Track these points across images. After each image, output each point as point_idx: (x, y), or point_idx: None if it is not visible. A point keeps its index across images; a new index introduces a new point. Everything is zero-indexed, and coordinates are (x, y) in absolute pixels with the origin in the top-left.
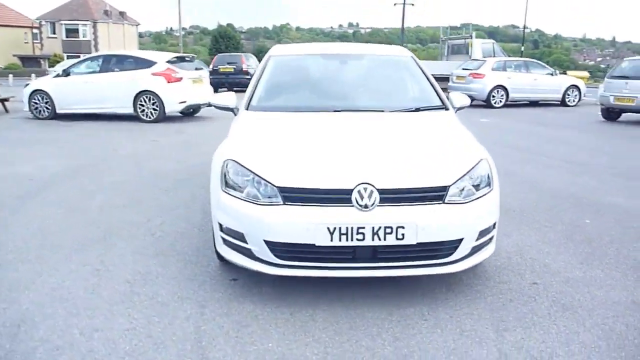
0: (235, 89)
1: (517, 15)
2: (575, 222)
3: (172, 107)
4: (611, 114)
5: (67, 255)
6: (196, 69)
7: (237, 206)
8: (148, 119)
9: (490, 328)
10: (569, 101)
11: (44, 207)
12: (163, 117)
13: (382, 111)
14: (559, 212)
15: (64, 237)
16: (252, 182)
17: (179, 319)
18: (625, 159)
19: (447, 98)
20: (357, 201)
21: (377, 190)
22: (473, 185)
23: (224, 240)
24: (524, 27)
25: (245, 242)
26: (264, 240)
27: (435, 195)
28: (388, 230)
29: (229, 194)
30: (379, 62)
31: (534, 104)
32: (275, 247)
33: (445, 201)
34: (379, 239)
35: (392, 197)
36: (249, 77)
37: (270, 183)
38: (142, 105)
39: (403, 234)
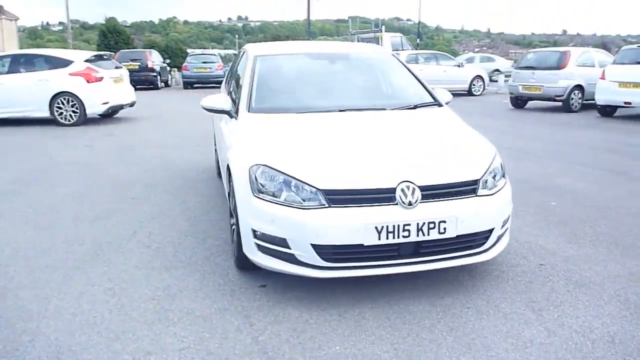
0: (138, 86)
1: (400, 8)
2: (543, 205)
3: (94, 109)
4: (519, 101)
5: (66, 275)
6: (116, 67)
7: (277, 211)
8: (67, 123)
9: (526, 309)
10: (474, 91)
11: (6, 228)
12: (84, 120)
13: (384, 109)
14: (524, 196)
15: (50, 257)
16: (288, 186)
17: (230, 331)
18: (554, 144)
19: None
20: (401, 199)
21: (419, 187)
22: (492, 177)
23: (259, 246)
24: (419, 21)
25: (288, 247)
26: (311, 244)
27: (469, 189)
28: (431, 225)
29: (263, 199)
30: (364, 60)
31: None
32: (323, 250)
33: (477, 194)
34: (423, 235)
35: (432, 193)
36: (155, 74)
37: (313, 186)
38: (60, 108)
39: (445, 228)
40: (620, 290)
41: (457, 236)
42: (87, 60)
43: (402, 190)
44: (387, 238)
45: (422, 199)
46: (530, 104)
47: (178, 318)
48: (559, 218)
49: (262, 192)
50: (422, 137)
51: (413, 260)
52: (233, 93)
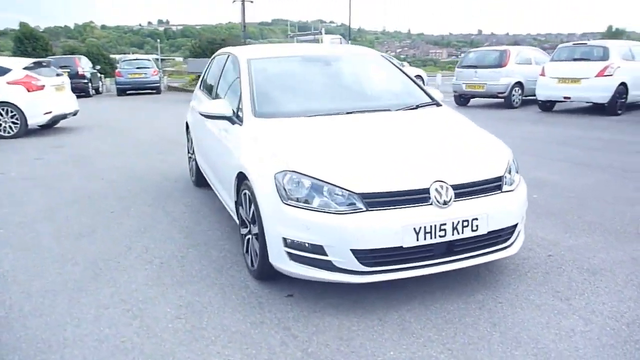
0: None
1: (322, 11)
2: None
3: (36, 119)
4: (462, 99)
5: (71, 299)
6: (57, 75)
7: (312, 218)
8: (7, 135)
9: (554, 299)
10: None
11: None
12: (25, 132)
13: (389, 110)
14: None
15: (45, 280)
16: (320, 191)
17: (275, 345)
18: (515, 138)
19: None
20: (436, 199)
21: (451, 186)
22: (509, 174)
23: (291, 255)
24: (349, 23)
25: (325, 254)
26: (351, 250)
27: (494, 185)
28: (465, 223)
29: (295, 206)
30: (357, 62)
31: None
32: (362, 255)
33: (502, 190)
34: (458, 233)
35: (463, 191)
36: (85, 81)
37: (349, 190)
38: None
39: (477, 226)
40: (631, 274)
41: (488, 232)
42: (26, 68)
43: (437, 189)
44: (425, 239)
45: (454, 198)
46: (472, 101)
47: (215, 336)
48: (545, 210)
49: (293, 199)
50: (441, 136)
51: (447, 259)
52: (226, 98)
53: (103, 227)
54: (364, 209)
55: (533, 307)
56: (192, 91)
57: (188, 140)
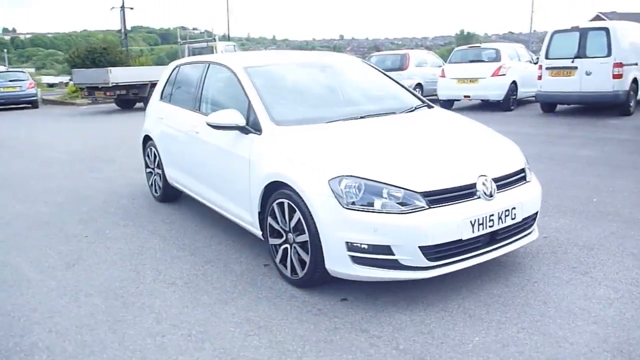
0: None
1: (185, 17)
2: None
3: None
4: None
5: (116, 332)
6: None
7: (378, 220)
8: None
9: (576, 273)
10: None
11: None
12: None
13: (394, 113)
14: None
15: (68, 316)
16: (378, 193)
17: (366, 348)
18: None
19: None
20: (484, 192)
21: (492, 179)
22: (527, 165)
23: (354, 258)
24: (228, 30)
25: (392, 253)
26: (419, 247)
27: (521, 176)
28: (507, 212)
29: (359, 210)
30: (347, 68)
31: None
32: (428, 251)
33: (527, 180)
34: (502, 222)
35: (501, 183)
36: None
37: (410, 190)
38: None
39: (515, 214)
40: (620, 246)
41: (522, 220)
42: None
43: (483, 183)
44: (479, 230)
45: (496, 190)
46: None
47: (300, 347)
48: None
49: (354, 203)
50: (461, 135)
51: (491, 247)
52: (210, 109)
53: (88, 254)
54: (426, 207)
55: (564, 283)
56: (74, 104)
57: (147, 156)
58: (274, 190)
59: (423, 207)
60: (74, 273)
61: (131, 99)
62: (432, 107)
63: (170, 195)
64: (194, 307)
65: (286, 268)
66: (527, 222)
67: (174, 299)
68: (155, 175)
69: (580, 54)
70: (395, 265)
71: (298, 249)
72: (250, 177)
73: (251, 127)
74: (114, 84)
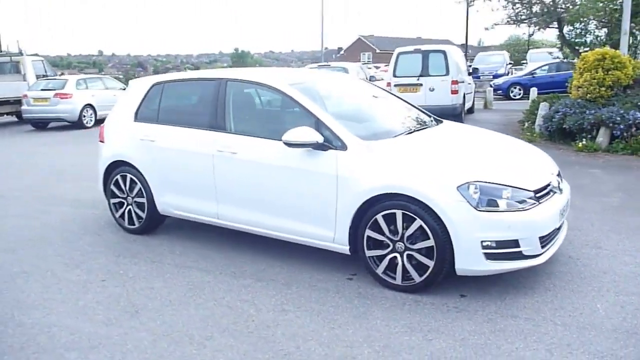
0: None
1: None
2: None
3: None
4: None
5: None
6: None
7: (509, 218)
8: None
9: (597, 257)
10: None
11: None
12: None
13: (429, 126)
14: None
15: (145, 348)
16: (498, 194)
17: (480, 343)
18: None
19: None
20: (558, 187)
21: (557, 175)
22: None
23: (488, 255)
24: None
25: (518, 246)
26: (539, 237)
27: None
28: (569, 202)
29: (489, 211)
30: (358, 85)
31: None
32: (542, 240)
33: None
34: (565, 212)
35: (559, 180)
36: None
37: (525, 189)
38: None
39: (569, 206)
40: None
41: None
42: None
43: (557, 180)
44: (560, 219)
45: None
46: None
47: (453, 348)
48: None
49: (485, 205)
50: (503, 142)
51: (557, 236)
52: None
53: (152, 302)
54: (537, 203)
55: (597, 271)
56: None
57: (114, 184)
58: (375, 204)
59: (534, 203)
60: (141, 322)
61: None
62: (443, 121)
63: (152, 226)
64: (332, 329)
65: (394, 277)
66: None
67: (297, 325)
68: (130, 205)
69: (424, 73)
70: (519, 256)
71: (416, 255)
72: (338, 193)
73: (330, 143)
74: None
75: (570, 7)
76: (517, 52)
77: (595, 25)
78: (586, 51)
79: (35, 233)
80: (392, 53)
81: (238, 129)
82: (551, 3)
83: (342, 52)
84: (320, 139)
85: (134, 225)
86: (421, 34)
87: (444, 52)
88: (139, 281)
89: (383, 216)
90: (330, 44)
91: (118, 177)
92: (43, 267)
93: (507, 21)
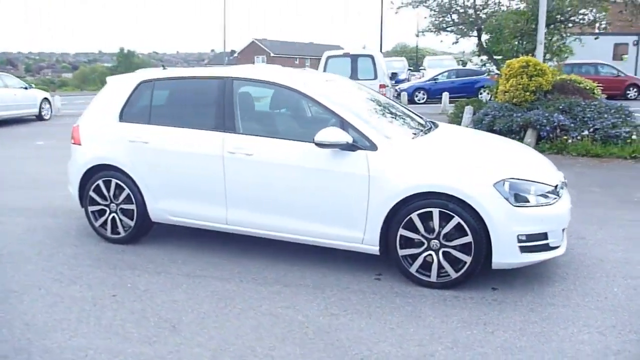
0: None
1: None
2: None
3: None
4: None
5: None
6: None
7: (541, 212)
8: None
9: (609, 264)
10: (44, 115)
11: None
12: None
13: (436, 127)
14: None
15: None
16: (527, 190)
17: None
18: None
19: None
20: (564, 186)
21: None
22: None
23: (522, 248)
24: None
25: (546, 238)
26: (562, 229)
27: None
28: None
29: (524, 206)
30: (354, 86)
31: (10, 122)
32: (563, 232)
33: None
34: None
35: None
36: None
37: (550, 185)
38: None
39: None
40: None
41: None
42: None
43: (562, 182)
44: (569, 215)
45: None
46: None
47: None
48: None
49: (520, 201)
50: (505, 143)
51: None
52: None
53: (188, 315)
54: (558, 197)
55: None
56: None
57: (93, 191)
58: (409, 203)
59: (556, 197)
60: (185, 337)
61: None
62: (439, 124)
63: (139, 235)
64: (392, 329)
65: (428, 274)
66: None
67: (357, 328)
68: (114, 212)
69: (353, 76)
70: (546, 247)
71: (452, 252)
72: (370, 194)
73: (359, 143)
74: None
75: (492, 18)
76: (406, 58)
77: (508, 33)
78: (502, 59)
79: (5, 247)
80: (287, 57)
81: (250, 130)
82: (472, 13)
83: (235, 54)
84: (349, 139)
85: (118, 234)
86: (312, 39)
87: (372, 57)
88: (157, 294)
89: (418, 215)
90: (218, 46)
91: (99, 182)
92: (33, 285)
93: (430, 29)
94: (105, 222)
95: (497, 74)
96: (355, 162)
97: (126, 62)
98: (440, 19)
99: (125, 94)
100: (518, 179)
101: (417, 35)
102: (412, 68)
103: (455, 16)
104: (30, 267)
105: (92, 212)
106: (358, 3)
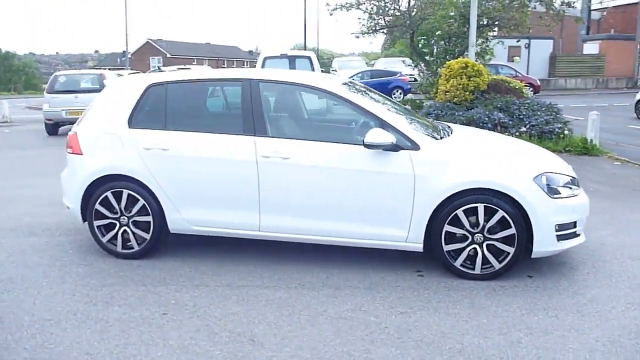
0: None
1: None
2: None
3: None
4: (55, 128)
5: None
6: None
7: (573, 202)
8: None
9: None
10: None
11: None
12: None
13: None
14: None
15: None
16: (557, 182)
17: (579, 323)
18: None
19: None
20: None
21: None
22: None
23: (559, 236)
24: None
25: (575, 226)
26: (585, 217)
27: None
28: None
29: (558, 197)
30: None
31: None
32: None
33: None
34: None
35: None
36: None
37: (574, 177)
38: None
39: None
40: None
41: None
42: None
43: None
44: None
45: None
46: (61, 129)
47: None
48: None
49: (555, 193)
50: (517, 141)
51: None
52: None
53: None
54: (580, 188)
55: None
56: None
57: (99, 204)
58: (454, 199)
59: (578, 188)
60: (272, 350)
61: None
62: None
63: (155, 248)
64: (466, 322)
65: (472, 267)
66: None
67: (434, 324)
68: (125, 225)
69: None
70: (574, 235)
71: (496, 244)
72: (415, 193)
73: (401, 143)
74: None
75: (426, 20)
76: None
77: (439, 36)
78: (432, 60)
79: (2, 272)
80: (184, 58)
81: (281, 133)
82: (407, 16)
83: (129, 55)
84: (394, 139)
85: (131, 249)
86: (209, 39)
87: (309, 58)
88: (210, 308)
89: (464, 210)
90: (102, 47)
91: (108, 194)
92: (64, 311)
93: (363, 31)
94: (115, 236)
95: (411, 75)
96: (400, 162)
97: (5, 64)
98: (374, 22)
99: (133, 99)
100: (552, 172)
101: (358, 37)
102: (323, 69)
103: (388, 19)
104: (47, 292)
105: (98, 227)
106: (253, 5)
